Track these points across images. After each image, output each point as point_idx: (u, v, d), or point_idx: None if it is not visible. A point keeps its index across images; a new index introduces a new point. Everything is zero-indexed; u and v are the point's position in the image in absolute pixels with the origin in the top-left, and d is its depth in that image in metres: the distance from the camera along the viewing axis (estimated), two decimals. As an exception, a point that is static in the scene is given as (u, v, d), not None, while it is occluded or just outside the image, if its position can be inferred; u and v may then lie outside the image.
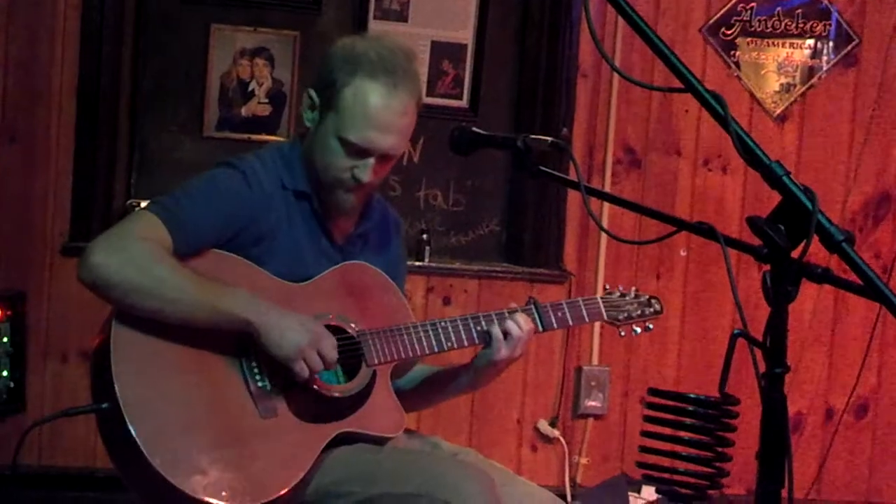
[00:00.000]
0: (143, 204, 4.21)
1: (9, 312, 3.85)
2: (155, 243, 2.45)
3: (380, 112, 2.59)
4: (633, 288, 2.91)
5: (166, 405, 2.41)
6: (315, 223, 2.71)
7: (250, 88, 4.60)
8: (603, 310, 2.84)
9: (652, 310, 2.90)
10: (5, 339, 3.81)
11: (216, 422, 2.45)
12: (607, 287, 2.90)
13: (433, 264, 4.65)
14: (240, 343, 2.50)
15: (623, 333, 2.88)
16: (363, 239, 2.80)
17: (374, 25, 4.59)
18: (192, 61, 4.58)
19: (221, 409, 2.46)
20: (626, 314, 2.86)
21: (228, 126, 4.60)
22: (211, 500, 2.35)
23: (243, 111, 4.61)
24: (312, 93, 2.67)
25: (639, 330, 2.87)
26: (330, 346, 2.52)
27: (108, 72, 4.40)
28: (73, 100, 4.38)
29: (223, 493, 2.37)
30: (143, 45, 4.55)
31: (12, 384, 3.82)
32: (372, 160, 2.62)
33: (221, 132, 4.60)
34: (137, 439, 2.34)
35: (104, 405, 2.39)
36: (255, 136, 4.59)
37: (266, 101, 4.62)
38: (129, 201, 4.45)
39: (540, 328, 2.76)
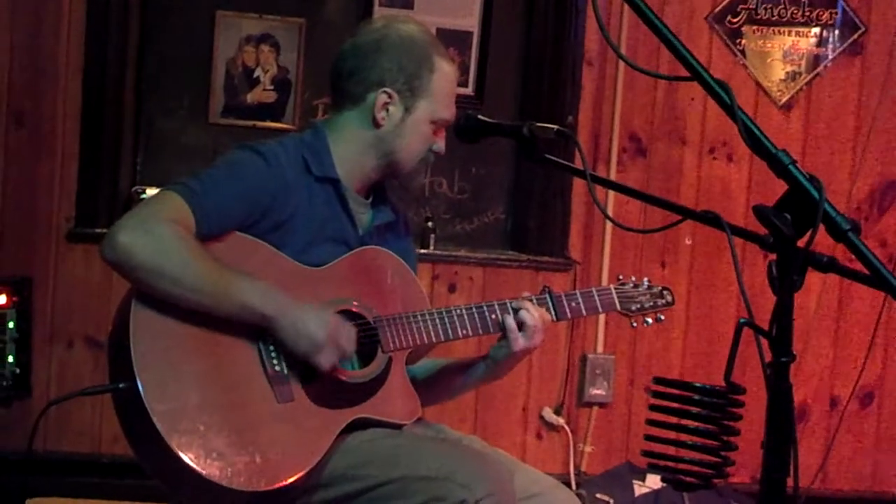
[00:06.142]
0: (150, 191, 4.27)
1: (15, 298, 3.86)
2: (181, 227, 2.45)
3: (455, 85, 2.81)
4: (646, 279, 2.92)
5: (184, 387, 2.42)
6: (340, 209, 2.73)
7: (256, 75, 4.60)
8: (616, 300, 2.85)
9: (664, 301, 2.90)
10: (11, 325, 3.82)
11: (233, 405, 2.45)
12: (620, 277, 2.90)
13: (438, 252, 4.65)
14: (257, 327, 2.51)
15: (635, 324, 2.89)
16: (380, 230, 2.82)
17: (380, 13, 4.58)
18: (198, 47, 4.58)
19: (238, 393, 2.47)
20: (638, 305, 2.87)
21: (234, 112, 4.60)
22: (227, 483, 2.36)
23: (249, 98, 4.61)
24: (390, 90, 2.70)
25: (650, 321, 2.88)
26: (347, 339, 2.54)
27: (114, 57, 4.41)
28: (78, 85, 4.39)
29: (239, 477, 2.38)
30: (148, 30, 4.55)
31: (18, 370, 3.83)
32: (443, 132, 2.79)
33: (227, 119, 4.60)
34: (155, 420, 2.34)
35: (122, 385, 2.40)
36: (260, 123, 4.60)
37: (271, 87, 4.61)
38: (134, 188, 4.45)
39: (554, 318, 2.78)
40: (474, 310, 2.72)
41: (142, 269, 2.41)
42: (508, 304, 2.73)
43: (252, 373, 2.49)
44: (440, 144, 2.78)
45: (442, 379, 2.90)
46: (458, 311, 2.72)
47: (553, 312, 2.78)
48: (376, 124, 2.72)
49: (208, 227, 2.50)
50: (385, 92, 2.70)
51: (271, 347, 2.51)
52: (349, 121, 2.75)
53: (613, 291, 2.86)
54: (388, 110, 2.71)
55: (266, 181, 2.60)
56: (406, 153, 2.75)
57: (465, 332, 2.71)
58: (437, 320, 2.70)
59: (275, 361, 2.51)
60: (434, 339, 2.69)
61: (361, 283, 2.68)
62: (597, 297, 2.83)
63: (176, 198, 2.49)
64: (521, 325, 2.70)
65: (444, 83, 2.74)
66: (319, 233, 2.67)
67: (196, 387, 2.43)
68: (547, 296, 2.79)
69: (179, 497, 2.51)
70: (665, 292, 2.92)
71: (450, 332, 2.70)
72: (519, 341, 2.69)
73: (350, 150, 2.74)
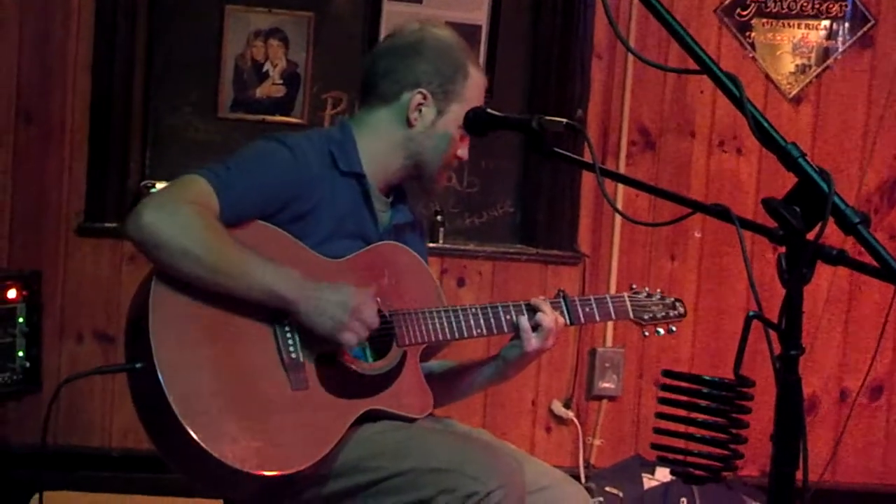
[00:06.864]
0: (159, 185, 4.28)
1: (24, 292, 3.87)
2: (205, 209, 2.47)
3: (483, 93, 2.86)
4: (659, 290, 2.96)
5: (200, 370, 2.43)
6: (363, 205, 2.75)
7: (265, 69, 4.60)
8: (630, 308, 2.89)
9: (676, 312, 2.94)
10: (21, 319, 3.83)
11: (248, 390, 2.46)
12: (633, 287, 2.93)
13: (447, 246, 4.65)
14: (276, 313, 2.52)
15: (647, 333, 2.92)
16: (399, 230, 2.84)
17: (389, 7, 4.58)
18: (207, 42, 4.59)
19: (254, 378, 2.48)
20: (651, 315, 2.90)
21: (243, 107, 4.60)
22: (239, 466, 2.37)
23: (258, 92, 4.61)
24: (426, 91, 2.75)
25: (662, 331, 2.92)
26: (371, 314, 2.54)
27: (123, 53, 4.41)
28: (87, 80, 4.39)
29: (251, 461, 2.39)
30: (157, 25, 4.56)
31: (28, 363, 3.84)
32: (468, 139, 2.82)
33: (236, 113, 4.60)
34: (171, 400, 2.36)
35: (138, 365, 2.41)
36: (269, 118, 4.60)
37: (280, 82, 4.62)
38: (143, 182, 4.46)
39: (568, 322, 2.81)
40: (489, 309, 2.75)
41: (165, 248, 2.42)
42: (523, 305, 2.76)
43: (268, 358, 2.50)
44: (465, 152, 2.83)
45: (452, 377, 2.92)
46: (473, 309, 2.75)
47: (567, 316, 2.81)
48: (409, 124, 2.76)
49: (231, 213, 2.52)
50: (420, 93, 2.74)
51: (288, 334, 2.53)
52: (380, 119, 2.78)
53: (627, 299, 2.90)
54: (421, 111, 2.75)
55: (291, 173, 2.63)
56: (433, 155, 2.78)
57: (479, 331, 2.74)
58: (452, 318, 2.72)
59: (291, 348, 2.52)
60: (448, 336, 2.71)
61: (378, 277, 2.70)
62: (610, 304, 2.87)
63: (202, 182, 2.52)
64: (535, 327, 2.73)
65: (476, 90, 2.80)
66: (340, 227, 2.69)
67: (212, 370, 2.45)
68: (561, 300, 2.82)
69: (192, 482, 2.52)
70: (678, 304, 2.96)
71: (464, 330, 2.72)
72: (532, 342, 2.72)
73: (378, 148, 2.77)
